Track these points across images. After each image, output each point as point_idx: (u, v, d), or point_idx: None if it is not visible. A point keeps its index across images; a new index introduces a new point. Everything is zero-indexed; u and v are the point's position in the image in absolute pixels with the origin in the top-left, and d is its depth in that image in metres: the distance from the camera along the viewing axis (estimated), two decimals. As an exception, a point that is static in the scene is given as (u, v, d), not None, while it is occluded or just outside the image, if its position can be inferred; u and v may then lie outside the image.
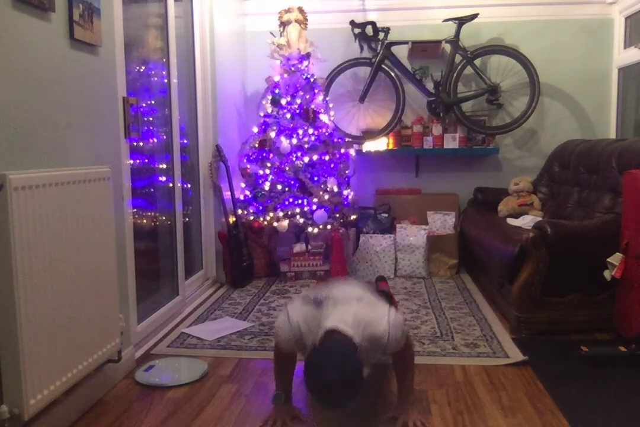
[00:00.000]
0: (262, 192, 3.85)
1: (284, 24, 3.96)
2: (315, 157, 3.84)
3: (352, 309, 1.75)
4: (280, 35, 3.97)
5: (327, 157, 3.87)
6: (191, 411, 2.03)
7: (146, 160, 2.94)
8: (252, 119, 4.25)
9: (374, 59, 4.16)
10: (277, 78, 3.91)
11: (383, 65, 4.17)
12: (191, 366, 2.41)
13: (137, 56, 2.83)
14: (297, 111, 3.85)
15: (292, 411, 1.96)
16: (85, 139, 2.06)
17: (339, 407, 1.74)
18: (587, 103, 4.27)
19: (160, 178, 3.10)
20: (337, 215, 3.87)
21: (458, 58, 4.11)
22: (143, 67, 2.93)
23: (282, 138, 3.82)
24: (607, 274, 2.50)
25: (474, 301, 3.32)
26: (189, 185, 3.52)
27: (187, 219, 3.43)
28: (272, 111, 3.91)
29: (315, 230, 3.80)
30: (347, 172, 4.04)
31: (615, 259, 2.45)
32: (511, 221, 3.62)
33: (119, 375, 2.28)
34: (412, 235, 3.93)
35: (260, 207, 3.86)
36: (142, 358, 2.50)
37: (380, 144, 4.27)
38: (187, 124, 3.50)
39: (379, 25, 4.12)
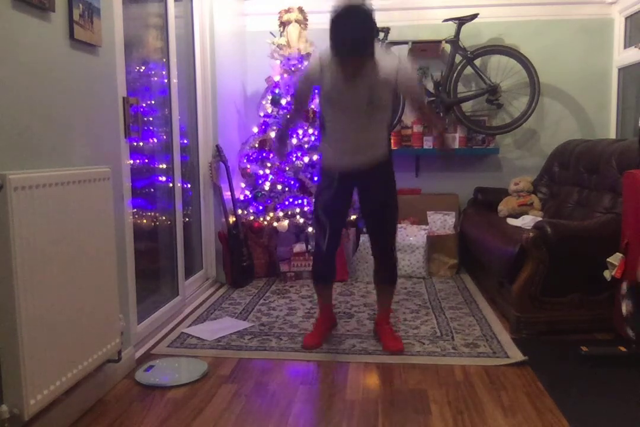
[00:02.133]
0: (262, 192, 3.85)
1: (284, 24, 3.96)
2: (315, 157, 3.84)
3: None
4: (280, 35, 3.97)
5: (327, 157, 3.87)
6: (191, 411, 2.03)
7: (146, 160, 2.94)
8: (252, 119, 4.25)
9: (374, 59, 4.15)
10: (277, 78, 3.91)
11: (383, 65, 4.17)
12: (191, 366, 2.41)
13: (137, 56, 2.83)
14: (297, 111, 3.85)
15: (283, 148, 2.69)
16: (85, 139, 2.06)
17: (359, 53, 2.17)
18: (587, 103, 4.27)
19: (160, 178, 3.10)
20: (337, 215, 3.87)
21: (458, 58, 4.11)
22: (143, 67, 2.93)
23: (282, 138, 3.81)
24: (607, 274, 2.50)
25: (474, 301, 3.33)
26: (189, 185, 3.52)
27: (187, 219, 3.43)
28: (272, 111, 3.91)
29: (315, 230, 3.80)
30: (347, 172, 4.03)
31: (615, 259, 2.45)
32: (511, 221, 3.62)
33: (119, 375, 2.28)
34: (412, 235, 3.92)
35: (260, 207, 3.86)
36: (142, 358, 2.50)
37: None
38: (187, 124, 3.50)
39: (379, 25, 4.09)
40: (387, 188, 2.51)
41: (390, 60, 2.29)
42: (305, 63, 3.90)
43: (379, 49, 2.22)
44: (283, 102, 3.86)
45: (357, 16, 2.09)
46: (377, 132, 2.42)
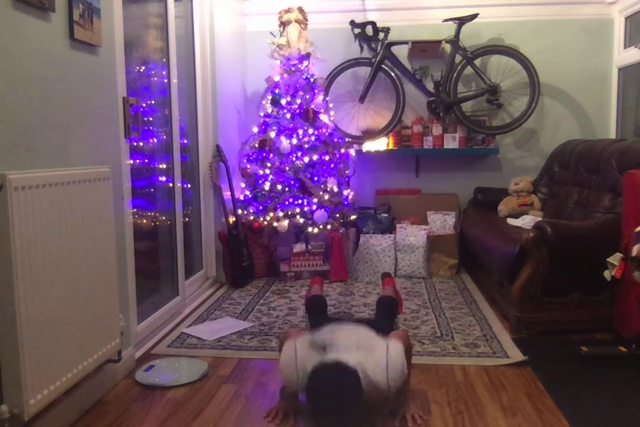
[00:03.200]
0: (262, 192, 3.85)
1: (284, 24, 3.96)
2: (315, 157, 3.84)
3: (354, 358, 1.79)
4: (280, 35, 3.97)
5: (327, 157, 3.87)
6: (191, 411, 2.03)
7: (146, 160, 2.94)
8: (252, 119, 4.25)
9: (374, 59, 4.16)
10: (277, 78, 3.91)
11: (383, 66, 4.17)
12: (191, 366, 2.41)
13: (137, 56, 2.83)
14: (297, 111, 3.85)
15: (295, 405, 2.00)
16: (85, 139, 2.06)
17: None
18: (587, 103, 4.27)
19: (160, 178, 3.10)
20: (337, 215, 3.87)
21: (458, 58, 4.11)
22: (143, 67, 2.93)
23: (282, 138, 3.82)
24: (607, 274, 2.50)
25: (474, 301, 3.33)
26: (189, 185, 3.52)
27: (187, 219, 3.43)
28: (272, 111, 3.91)
29: (315, 230, 3.80)
30: (347, 172, 4.04)
31: (615, 259, 2.45)
32: (511, 221, 3.62)
33: (119, 375, 2.28)
34: (412, 235, 3.92)
35: (260, 207, 3.86)
36: (142, 358, 2.50)
37: (380, 144, 4.27)
38: (187, 124, 3.50)
39: (379, 25, 4.12)
40: None
41: (379, 389, 1.81)
42: (305, 63, 3.90)
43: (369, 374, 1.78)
44: (283, 102, 3.86)
45: (338, 387, 1.68)
46: None
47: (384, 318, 2.68)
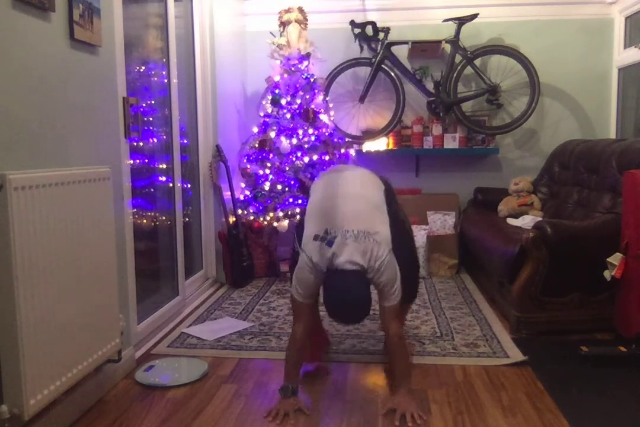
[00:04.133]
0: (262, 192, 3.84)
1: (284, 24, 3.96)
2: (315, 157, 3.84)
3: (360, 247, 1.97)
4: (280, 35, 3.97)
5: (327, 157, 3.87)
6: (191, 411, 2.03)
7: (146, 160, 2.94)
8: (252, 119, 4.25)
9: (374, 59, 4.16)
10: (277, 78, 3.91)
11: (383, 66, 4.17)
12: (191, 366, 2.41)
13: (137, 56, 2.83)
14: (297, 111, 3.85)
15: (296, 403, 2.02)
16: (85, 139, 2.06)
17: (356, 323, 2.26)
18: (587, 103, 4.27)
19: (160, 178, 3.10)
20: (337, 215, 3.86)
21: (458, 58, 4.11)
22: (143, 67, 2.93)
23: (282, 138, 3.82)
24: (607, 274, 2.50)
25: (474, 301, 3.32)
26: (189, 185, 3.52)
27: (187, 219, 3.43)
28: (272, 111, 3.91)
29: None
30: (347, 172, 4.03)
31: (615, 259, 2.45)
32: (511, 221, 3.62)
33: (119, 375, 2.28)
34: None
35: (260, 207, 3.86)
36: (142, 358, 2.50)
37: (380, 144, 4.27)
38: (187, 124, 3.50)
39: (379, 25, 4.12)
40: None
41: (373, 268, 2.04)
42: (305, 63, 3.90)
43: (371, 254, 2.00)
44: (283, 102, 3.86)
45: (353, 299, 1.96)
46: None
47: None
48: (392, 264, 2.04)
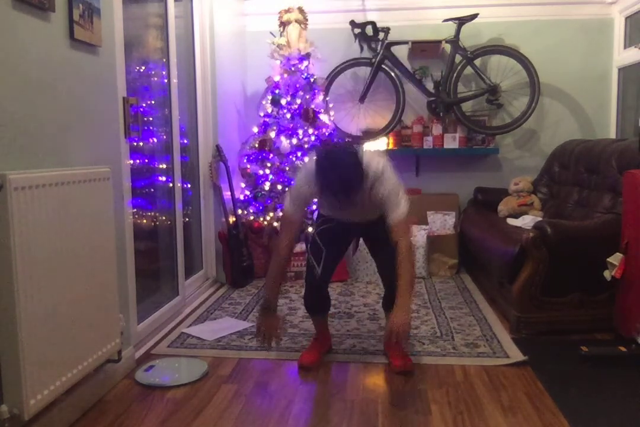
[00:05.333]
0: (262, 192, 3.85)
1: (284, 24, 3.96)
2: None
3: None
4: (280, 35, 3.97)
5: (327, 157, 3.87)
6: (191, 411, 2.03)
7: (146, 160, 2.94)
8: (252, 119, 4.25)
9: (374, 59, 4.16)
10: (277, 78, 3.91)
11: (383, 66, 4.17)
12: (191, 366, 2.41)
13: (137, 56, 2.83)
14: (297, 111, 3.85)
15: (277, 318, 2.11)
16: (85, 139, 2.06)
17: (348, 196, 2.04)
18: (587, 103, 4.27)
19: (160, 178, 3.10)
20: (337, 215, 3.87)
21: (458, 58, 4.11)
22: (143, 67, 2.93)
23: (282, 138, 3.82)
24: (607, 274, 2.50)
25: (474, 301, 3.33)
26: (189, 185, 3.52)
27: (187, 219, 3.43)
28: (272, 111, 3.91)
29: (315, 230, 3.80)
30: (347, 172, 4.03)
31: (615, 259, 2.45)
32: (511, 221, 3.62)
33: (119, 375, 2.28)
34: (412, 235, 3.92)
35: (260, 207, 3.86)
36: (142, 358, 2.50)
37: (380, 144, 4.27)
38: (187, 124, 3.50)
39: (379, 25, 4.12)
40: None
41: (373, 178, 2.13)
42: (305, 63, 3.90)
43: (365, 164, 2.07)
44: (283, 102, 3.86)
45: (342, 164, 1.98)
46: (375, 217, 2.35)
47: None
48: (393, 173, 2.13)
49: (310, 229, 3.79)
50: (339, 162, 1.98)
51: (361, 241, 3.94)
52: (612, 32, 4.17)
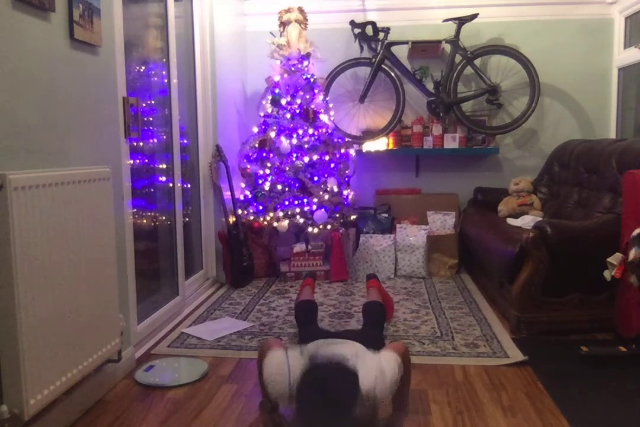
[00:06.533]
0: (262, 192, 3.85)
1: (284, 24, 3.96)
2: (315, 157, 3.84)
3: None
4: (280, 35, 3.97)
5: (327, 157, 3.88)
6: (191, 411, 2.03)
7: (146, 160, 2.94)
8: (252, 119, 4.25)
9: (374, 59, 4.16)
10: (277, 78, 3.91)
11: (383, 65, 4.17)
12: (191, 366, 2.41)
13: (137, 56, 2.83)
14: (297, 111, 3.85)
15: (276, 419, 1.91)
16: (85, 139, 2.06)
17: None
18: (587, 103, 4.27)
19: (160, 178, 3.10)
20: (337, 215, 3.87)
21: (458, 58, 4.11)
22: (143, 67, 2.93)
23: (282, 138, 3.82)
24: (607, 274, 2.50)
25: (474, 301, 3.32)
26: (189, 185, 3.52)
27: (187, 219, 3.43)
28: (272, 111, 3.91)
29: (315, 230, 3.80)
30: (347, 172, 4.04)
31: (615, 259, 2.45)
32: (511, 221, 3.62)
33: (119, 375, 2.28)
34: (412, 235, 3.93)
35: (260, 207, 3.86)
36: (142, 358, 2.50)
37: (380, 144, 4.27)
38: (187, 124, 3.50)
39: (379, 25, 4.12)
40: None
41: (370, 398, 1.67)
42: (305, 63, 3.90)
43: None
44: (283, 102, 3.86)
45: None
46: None
47: (372, 327, 2.52)
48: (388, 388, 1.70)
49: (310, 229, 3.80)
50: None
51: (361, 240, 3.95)
52: (612, 32, 4.17)
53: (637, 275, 2.29)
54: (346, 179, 4.04)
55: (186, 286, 3.29)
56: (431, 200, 4.28)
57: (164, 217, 3.15)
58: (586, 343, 2.48)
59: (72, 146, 1.97)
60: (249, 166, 3.92)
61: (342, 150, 3.99)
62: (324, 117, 3.91)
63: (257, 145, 3.88)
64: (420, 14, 4.30)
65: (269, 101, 3.91)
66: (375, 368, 1.69)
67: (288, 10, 3.94)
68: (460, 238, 3.98)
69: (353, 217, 4.02)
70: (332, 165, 3.91)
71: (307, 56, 3.92)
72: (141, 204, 2.85)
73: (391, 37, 4.13)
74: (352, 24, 4.13)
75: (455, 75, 4.12)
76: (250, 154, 3.92)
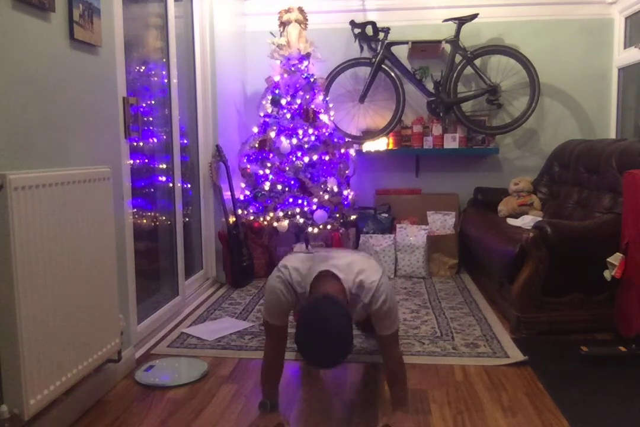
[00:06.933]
0: (262, 192, 3.85)
1: (284, 24, 3.96)
2: (315, 157, 3.84)
3: (348, 258, 1.86)
4: (280, 35, 3.97)
5: (327, 157, 3.87)
6: (191, 411, 2.03)
7: (146, 160, 2.94)
8: (252, 119, 4.25)
9: (374, 59, 4.16)
10: (277, 78, 3.91)
11: (383, 65, 4.17)
12: (191, 366, 2.41)
13: (137, 56, 2.83)
14: (297, 111, 3.85)
15: (276, 418, 1.91)
16: (85, 139, 2.06)
17: (333, 367, 1.73)
18: (587, 103, 4.27)
19: (160, 178, 3.10)
20: (337, 215, 3.87)
21: (458, 58, 4.11)
22: (143, 67, 2.93)
23: (282, 138, 3.82)
24: (607, 274, 2.50)
25: (474, 301, 3.32)
26: (189, 185, 3.52)
27: (187, 219, 3.43)
28: (272, 111, 3.91)
29: (315, 230, 3.80)
30: (347, 172, 4.04)
31: (615, 259, 2.45)
32: (511, 221, 3.62)
33: (119, 375, 2.28)
34: (412, 235, 3.93)
35: (260, 207, 3.86)
36: (142, 358, 2.50)
37: (380, 144, 4.27)
38: (187, 124, 3.50)
39: (379, 25, 4.12)
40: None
41: (364, 293, 1.82)
42: (305, 63, 3.90)
43: (359, 282, 1.80)
44: (283, 102, 3.86)
45: (329, 337, 1.58)
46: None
47: None
48: (388, 293, 1.82)
49: (310, 229, 3.79)
50: (325, 334, 1.58)
51: (361, 240, 3.95)
52: (612, 32, 4.17)
53: None
54: (346, 179, 4.04)
55: (186, 286, 3.29)
56: (431, 200, 4.28)
57: (164, 217, 3.15)
58: (586, 343, 2.48)
59: (72, 146, 1.97)
60: (249, 166, 3.92)
61: (342, 150, 3.99)
62: (324, 117, 3.91)
63: (257, 145, 3.88)
64: (420, 14, 4.30)
65: (269, 101, 3.91)
66: (376, 279, 1.81)
67: (288, 10, 3.94)
68: (460, 238, 3.98)
69: (353, 217, 4.02)
70: (332, 165, 3.91)
71: (307, 56, 3.92)
72: (141, 204, 2.85)
73: (391, 37, 4.13)
74: (352, 24, 4.13)
75: (455, 75, 4.12)
76: (250, 154, 3.92)
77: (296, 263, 1.88)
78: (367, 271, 1.83)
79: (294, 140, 3.82)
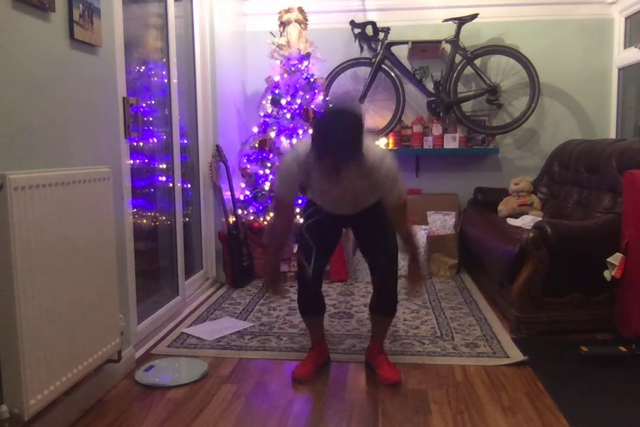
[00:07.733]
0: (262, 192, 3.85)
1: (284, 24, 3.96)
2: (315, 157, 3.83)
3: None
4: (280, 35, 3.98)
5: (327, 157, 3.87)
6: (191, 411, 2.03)
7: (146, 160, 2.94)
8: (252, 119, 4.25)
9: (374, 59, 4.16)
10: (277, 78, 3.91)
11: (383, 65, 4.17)
12: (191, 366, 2.41)
13: (137, 56, 2.83)
14: (297, 111, 3.85)
15: (281, 277, 2.32)
16: (86, 139, 2.06)
17: (345, 158, 1.94)
18: (587, 103, 4.27)
19: (160, 178, 3.10)
20: (337, 215, 3.87)
21: (458, 58, 4.11)
22: (143, 67, 2.93)
23: (282, 138, 3.82)
24: (607, 274, 2.50)
25: (474, 301, 3.32)
26: (189, 185, 3.52)
27: (187, 219, 3.43)
28: (272, 111, 3.91)
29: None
30: (347, 172, 4.03)
31: (615, 259, 2.45)
32: (511, 221, 3.62)
33: (119, 375, 2.28)
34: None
35: (260, 207, 3.86)
36: (142, 358, 2.50)
37: (380, 144, 4.27)
38: (187, 124, 3.50)
39: (379, 25, 4.12)
40: (382, 217, 2.27)
41: (372, 162, 2.01)
42: (305, 63, 3.91)
43: (366, 147, 1.98)
44: (283, 102, 3.86)
45: (345, 121, 1.90)
46: (367, 205, 2.27)
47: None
48: (392, 161, 2.05)
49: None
50: (342, 117, 1.91)
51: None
52: (612, 32, 4.17)
53: None
54: (346, 179, 4.03)
55: (186, 286, 3.29)
56: (431, 200, 4.28)
57: (164, 217, 3.15)
58: (586, 343, 2.48)
59: (72, 146, 1.97)
60: (249, 166, 3.92)
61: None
62: (324, 117, 3.91)
63: (257, 145, 3.88)
64: (420, 14, 4.30)
65: (269, 101, 3.91)
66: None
67: (288, 10, 3.95)
68: (460, 238, 3.98)
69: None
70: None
71: (307, 56, 3.92)
72: (141, 204, 2.85)
73: (391, 37, 4.13)
74: (352, 24, 4.13)
75: (455, 75, 4.12)
76: (250, 154, 3.93)
77: (303, 141, 2.11)
78: (373, 146, 2.07)
79: (294, 140, 3.82)
